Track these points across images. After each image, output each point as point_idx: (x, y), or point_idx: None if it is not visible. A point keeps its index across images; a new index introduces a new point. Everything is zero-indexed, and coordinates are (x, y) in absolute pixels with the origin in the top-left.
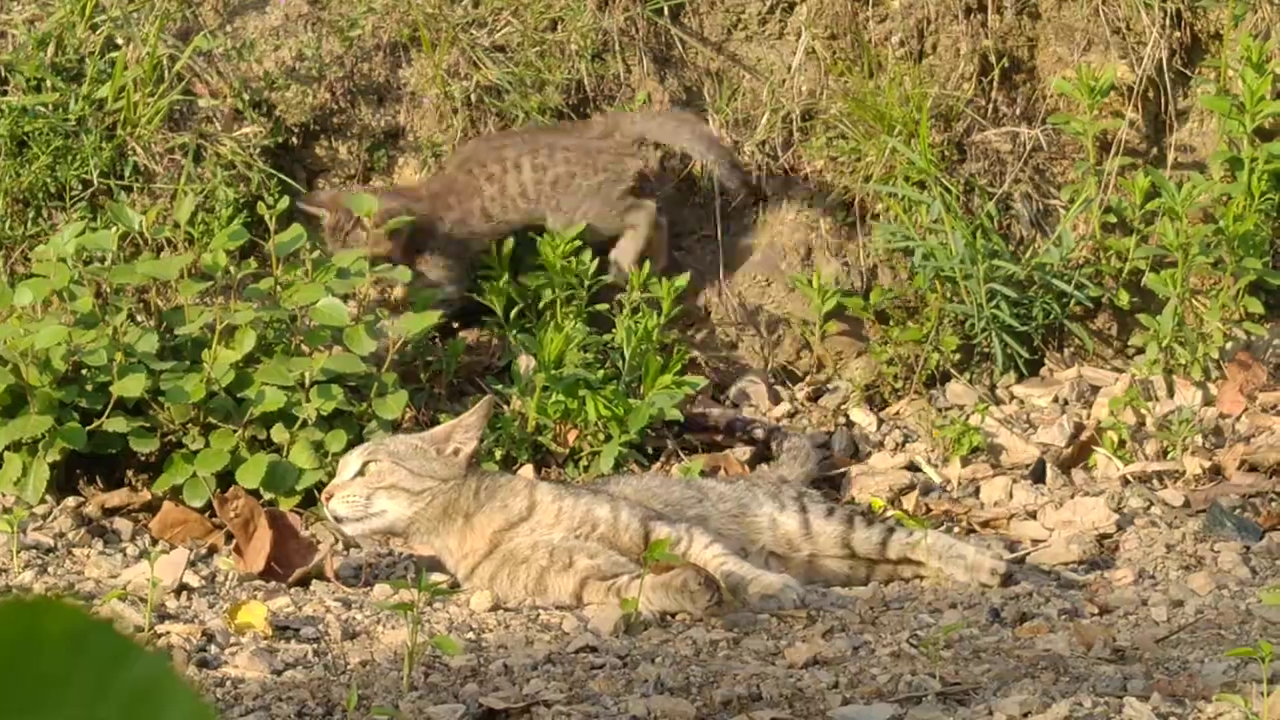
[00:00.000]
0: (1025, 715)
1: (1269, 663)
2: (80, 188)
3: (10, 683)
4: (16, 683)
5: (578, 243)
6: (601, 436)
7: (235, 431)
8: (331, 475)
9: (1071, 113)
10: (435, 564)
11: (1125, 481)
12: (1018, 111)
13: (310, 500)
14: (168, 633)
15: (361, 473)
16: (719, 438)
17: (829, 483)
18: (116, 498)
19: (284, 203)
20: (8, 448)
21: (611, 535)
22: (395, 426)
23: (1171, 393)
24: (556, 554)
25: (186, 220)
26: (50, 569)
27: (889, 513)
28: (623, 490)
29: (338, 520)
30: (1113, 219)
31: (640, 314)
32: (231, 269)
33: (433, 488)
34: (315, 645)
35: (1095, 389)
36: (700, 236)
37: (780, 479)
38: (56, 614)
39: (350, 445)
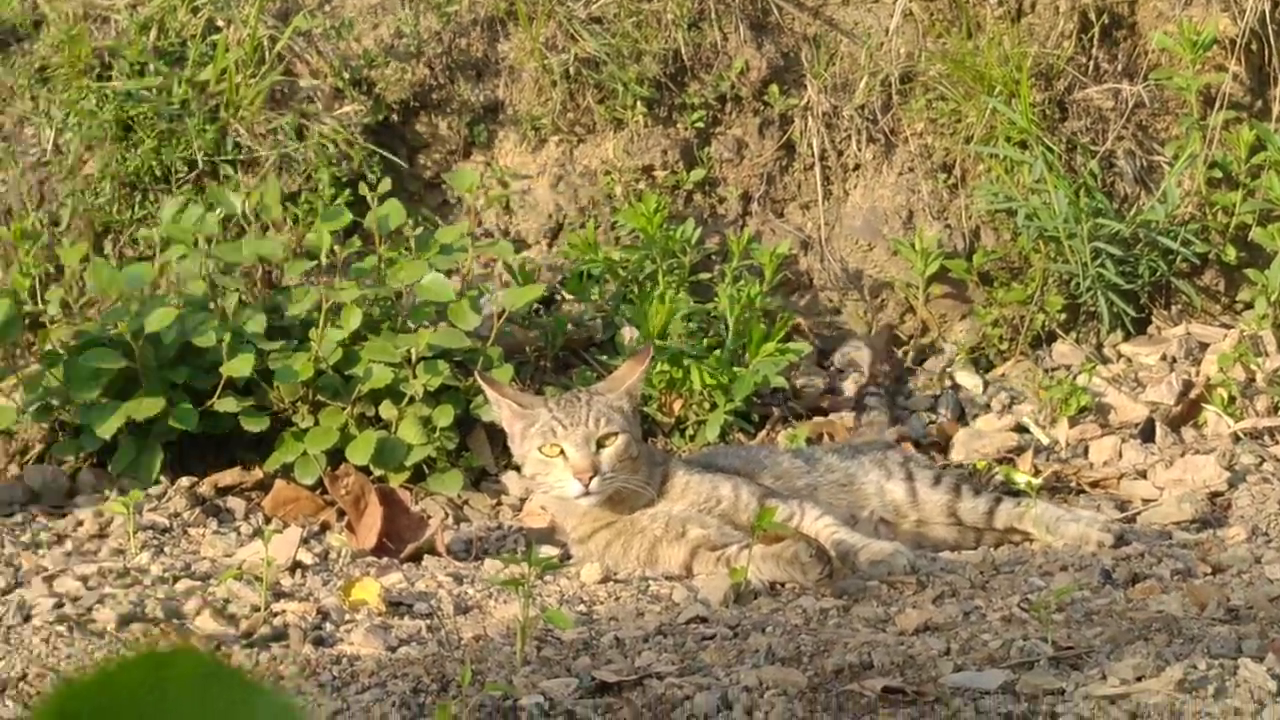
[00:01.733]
0: (1139, 678)
1: None
2: (185, 170)
3: None
4: None
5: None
6: (707, 405)
7: (344, 409)
8: (442, 453)
9: (1173, 68)
10: (544, 537)
11: (1236, 438)
12: (1119, 68)
13: (419, 475)
14: (283, 611)
15: (602, 445)
16: (824, 404)
17: (937, 446)
18: (229, 477)
19: (385, 180)
20: (121, 430)
21: (732, 513)
22: None
23: None
24: (671, 524)
25: (277, 203)
26: (167, 549)
27: (994, 471)
28: (730, 462)
29: (584, 495)
30: (1218, 174)
31: (742, 282)
32: (336, 248)
33: (639, 452)
34: (428, 621)
35: (1203, 346)
36: (802, 202)
37: (885, 445)
38: (185, 661)
39: (458, 421)
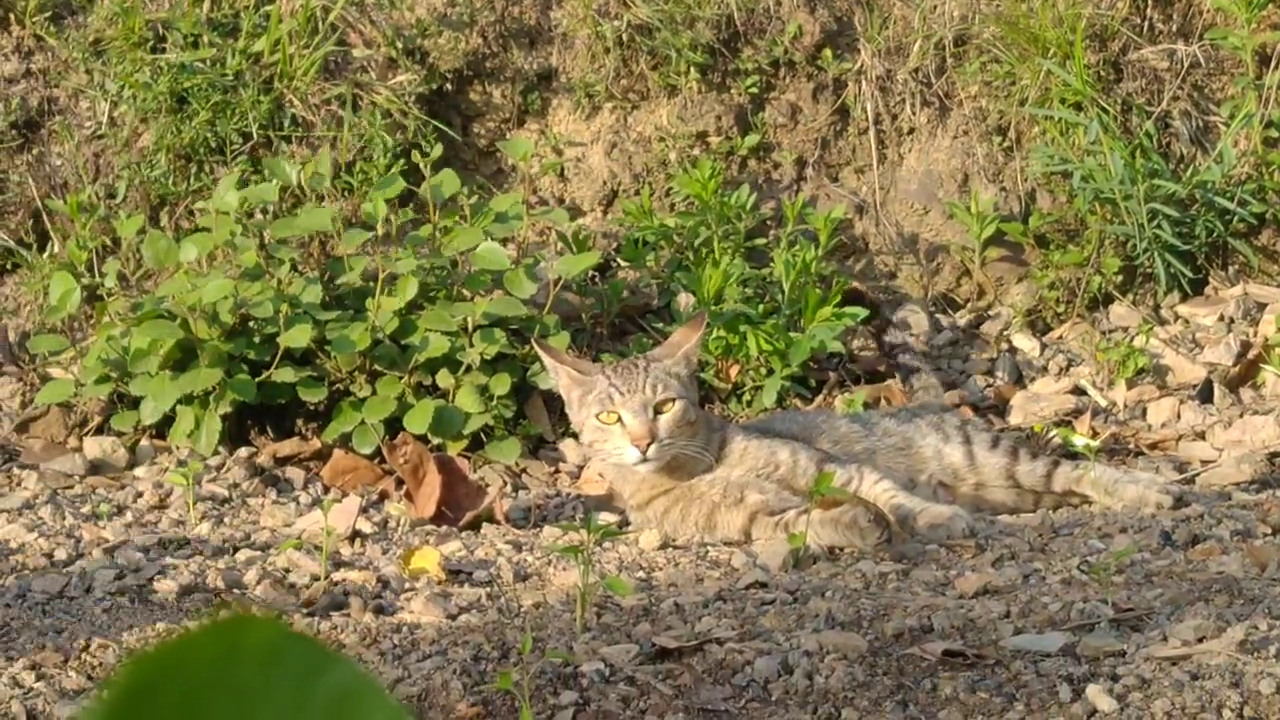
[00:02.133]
0: (1200, 639)
1: None
2: (240, 141)
3: (214, 698)
4: (220, 698)
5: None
6: (763, 371)
7: (401, 378)
8: (500, 421)
9: (1229, 27)
10: (602, 504)
11: None
12: (1174, 28)
13: (477, 443)
14: (343, 580)
15: (660, 411)
16: (881, 368)
17: (994, 410)
18: (287, 447)
19: (438, 149)
20: (179, 401)
21: (790, 478)
22: None
23: None
24: (729, 490)
25: (330, 175)
26: (226, 520)
27: (1052, 434)
28: (788, 427)
29: (642, 462)
30: (1275, 134)
31: (798, 246)
32: (391, 217)
33: (696, 418)
34: (488, 589)
35: (1261, 306)
36: (856, 167)
37: (942, 408)
38: (256, 629)
39: (515, 389)
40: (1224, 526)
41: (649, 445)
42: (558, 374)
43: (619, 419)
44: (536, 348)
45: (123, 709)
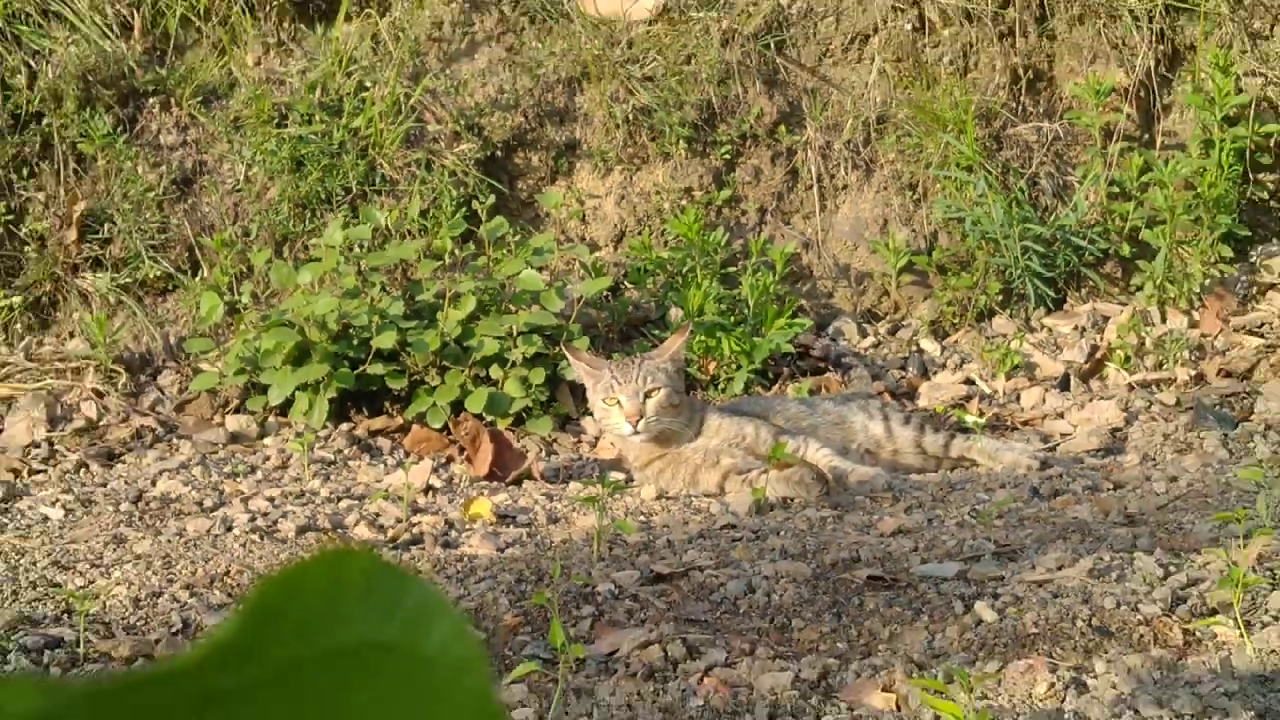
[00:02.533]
0: (1059, 568)
1: (1245, 523)
2: (343, 194)
3: (324, 610)
4: (328, 610)
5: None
6: (734, 366)
7: (463, 371)
8: (536, 403)
9: (1082, 110)
10: (613, 465)
11: (1130, 388)
12: (1041, 110)
13: (520, 420)
14: (419, 522)
15: (648, 396)
16: (822, 364)
17: (907, 395)
18: (378, 423)
19: (491, 199)
20: (297, 388)
21: (753, 446)
22: None
23: (1164, 319)
24: (708, 455)
25: (417, 216)
26: (332, 477)
27: (949, 414)
28: (752, 408)
29: (634, 434)
30: (1116, 189)
31: (760, 274)
32: (456, 251)
33: (680, 402)
34: (528, 529)
35: (1105, 318)
36: (803, 214)
37: (868, 394)
38: (355, 557)
39: (548, 380)
40: (1078, 483)
41: (639, 421)
42: (578, 369)
43: (618, 402)
44: (564, 350)
45: (254, 619)
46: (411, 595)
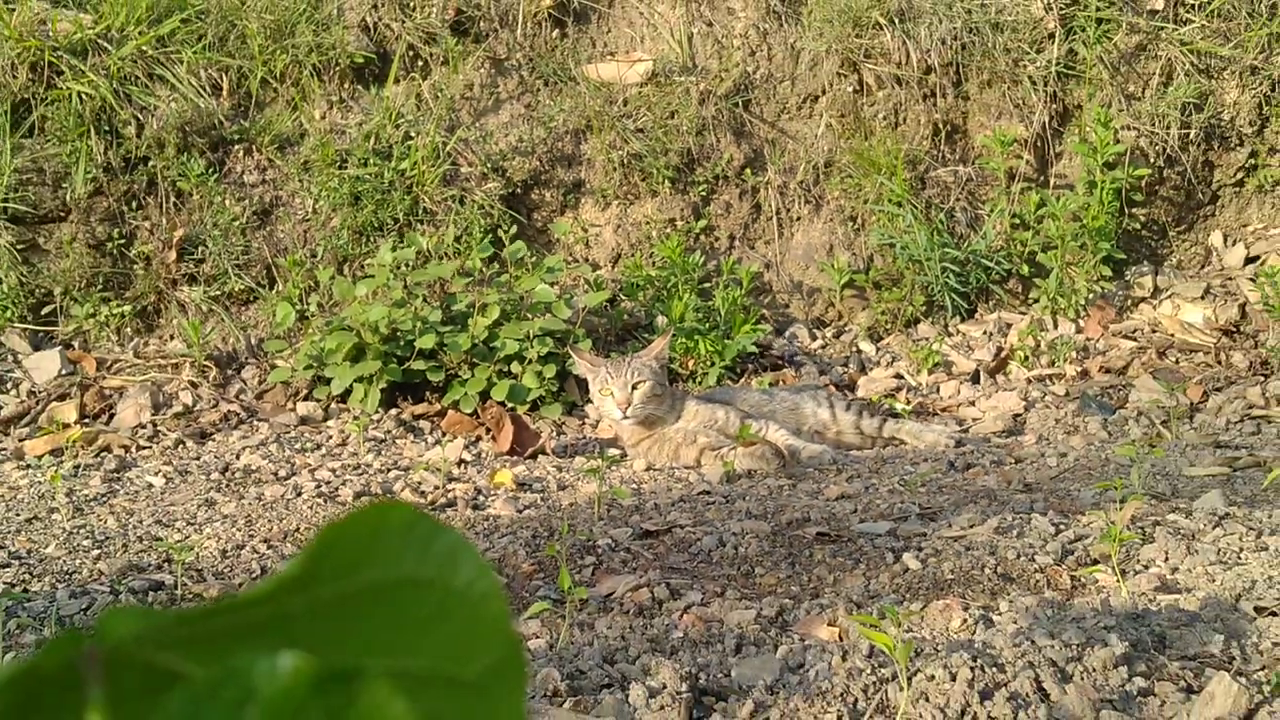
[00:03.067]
0: (971, 526)
1: (1121, 490)
2: (392, 224)
3: (369, 555)
4: (372, 554)
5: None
6: (708, 363)
7: (489, 367)
8: (549, 393)
9: (990, 157)
10: (610, 444)
11: (1028, 381)
12: (957, 157)
13: (535, 406)
14: (454, 489)
15: (635, 388)
16: (780, 361)
17: (848, 387)
18: (420, 409)
19: (513, 228)
20: (354, 381)
21: (724, 428)
22: None
23: (1056, 326)
24: (687, 435)
25: (452, 241)
26: (382, 452)
27: (883, 402)
28: (723, 397)
29: (624, 418)
30: (1017, 221)
31: (729, 289)
32: (483, 269)
33: (663, 392)
34: (541, 494)
35: (1009, 325)
36: (765, 240)
37: (817, 386)
38: (399, 511)
39: (558, 374)
40: (986, 458)
41: (628, 408)
42: (580, 366)
43: (611, 392)
44: (570, 350)
45: (315, 558)
46: (442, 540)
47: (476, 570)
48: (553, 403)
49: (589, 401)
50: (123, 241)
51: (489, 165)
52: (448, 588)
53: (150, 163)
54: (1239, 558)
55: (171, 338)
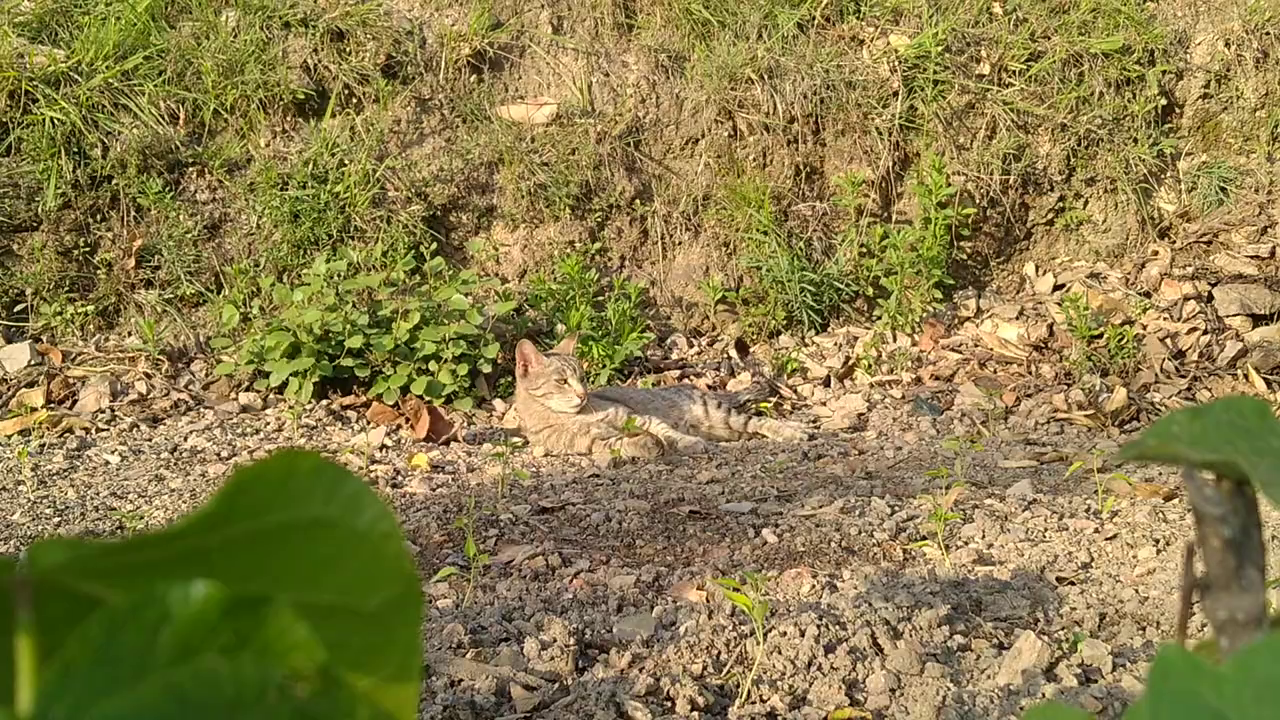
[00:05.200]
0: (820, 507)
1: (946, 478)
2: (327, 239)
3: (281, 494)
4: (285, 494)
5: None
6: (601, 366)
7: (410, 365)
8: (461, 388)
9: (842, 195)
10: (514, 432)
11: (871, 386)
12: (815, 194)
13: (450, 400)
14: (376, 468)
15: (583, 381)
16: (662, 365)
17: (720, 388)
18: (348, 400)
19: (433, 245)
20: (290, 375)
21: (613, 421)
22: (493, 364)
23: (895, 339)
24: (582, 426)
25: (380, 255)
26: (313, 437)
27: (749, 401)
28: (613, 395)
29: (578, 408)
30: (864, 250)
31: (620, 302)
32: (406, 280)
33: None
34: (452, 476)
35: (856, 338)
36: (651, 261)
37: (693, 387)
38: (307, 457)
39: (470, 372)
40: (834, 450)
41: (582, 398)
42: (529, 359)
43: (571, 385)
44: (520, 346)
45: (229, 497)
46: (347, 485)
47: (377, 513)
48: (465, 397)
49: (498, 397)
50: (88, 249)
51: (413, 190)
52: (351, 528)
53: (114, 181)
54: (1044, 536)
55: (129, 334)
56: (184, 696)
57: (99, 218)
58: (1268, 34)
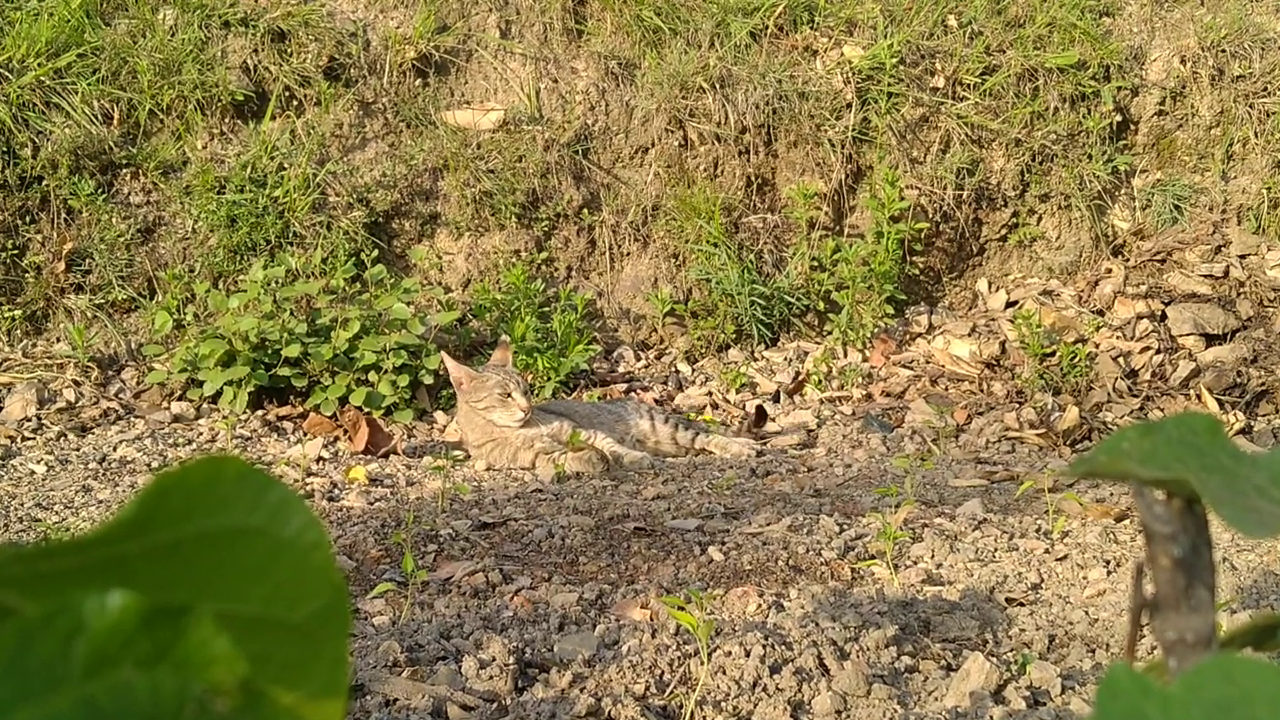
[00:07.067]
0: (768, 524)
1: (895, 496)
2: (265, 244)
3: (204, 501)
4: (208, 500)
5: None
6: (546, 378)
7: (349, 375)
8: (402, 400)
9: (794, 207)
10: (455, 446)
11: (821, 402)
12: (766, 206)
13: (389, 411)
14: (312, 483)
15: (528, 394)
16: (608, 378)
17: (667, 402)
18: (285, 410)
19: (375, 252)
20: (225, 384)
21: (558, 434)
22: (435, 375)
23: (846, 355)
24: (525, 440)
25: (319, 262)
26: (248, 448)
27: (697, 416)
28: (558, 408)
29: (523, 421)
30: (815, 263)
31: (566, 313)
32: (346, 288)
33: None
34: (391, 489)
35: (806, 353)
36: (599, 272)
37: (640, 401)
38: (232, 463)
39: (411, 383)
40: (783, 467)
41: (528, 412)
42: (459, 373)
43: (516, 399)
44: (445, 359)
45: (149, 503)
46: (273, 492)
47: (304, 521)
48: (405, 409)
49: (439, 409)
50: (16, 252)
51: (355, 196)
52: (277, 537)
53: (44, 182)
54: (994, 556)
55: (58, 340)
56: (98, 710)
57: (28, 219)
58: (1223, 51)
